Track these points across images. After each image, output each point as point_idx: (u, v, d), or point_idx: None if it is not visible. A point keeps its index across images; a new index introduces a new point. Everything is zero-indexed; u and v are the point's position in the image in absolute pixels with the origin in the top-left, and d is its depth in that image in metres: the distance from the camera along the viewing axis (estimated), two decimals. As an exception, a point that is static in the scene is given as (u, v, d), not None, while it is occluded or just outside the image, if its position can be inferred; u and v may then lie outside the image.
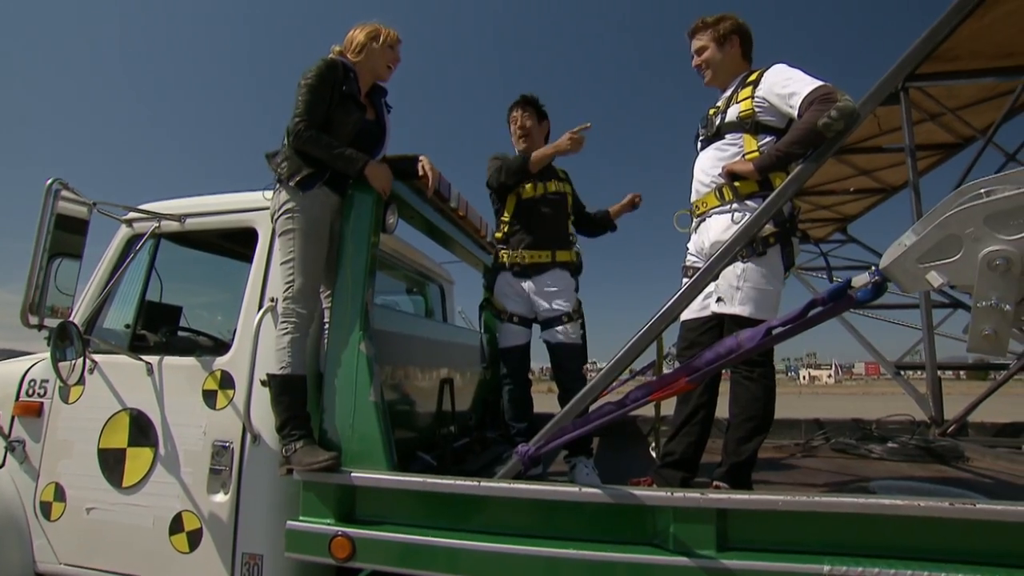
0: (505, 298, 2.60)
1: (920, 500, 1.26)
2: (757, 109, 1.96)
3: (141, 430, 1.96)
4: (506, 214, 2.63)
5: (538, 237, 2.55)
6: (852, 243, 7.03)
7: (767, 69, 2.00)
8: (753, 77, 2.02)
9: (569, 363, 2.48)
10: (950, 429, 3.48)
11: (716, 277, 1.82)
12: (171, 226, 2.18)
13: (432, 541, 1.52)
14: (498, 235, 2.68)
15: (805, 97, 1.78)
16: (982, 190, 0.98)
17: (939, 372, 3.89)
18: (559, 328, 2.48)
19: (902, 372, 4.59)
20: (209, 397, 1.92)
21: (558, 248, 2.56)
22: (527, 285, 2.54)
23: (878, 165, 5.41)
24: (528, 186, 2.60)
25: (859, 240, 6.97)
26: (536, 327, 2.61)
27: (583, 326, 2.61)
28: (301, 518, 1.67)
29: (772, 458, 3.00)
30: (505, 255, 2.60)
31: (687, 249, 2.20)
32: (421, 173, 2.12)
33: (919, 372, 4.56)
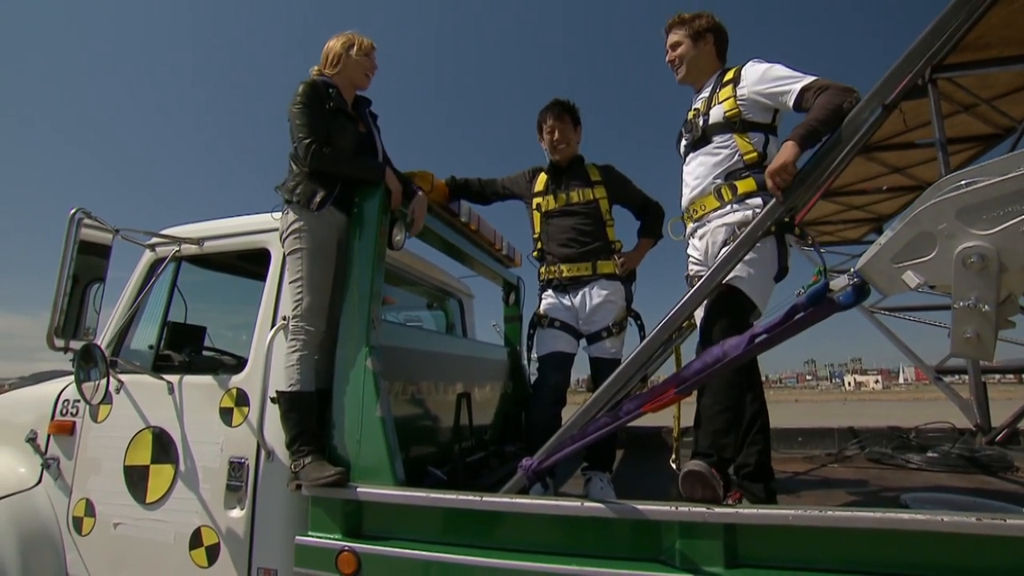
0: (550, 308, 2.51)
1: (943, 515, 1.18)
2: (741, 107, 1.93)
3: (163, 447, 2.03)
4: (536, 231, 2.59)
5: (572, 250, 2.47)
6: (889, 243, 6.77)
7: (743, 66, 1.98)
8: (730, 76, 1.99)
9: (605, 379, 2.37)
10: (998, 437, 3.27)
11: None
12: (191, 249, 2.27)
13: (437, 556, 1.51)
14: (535, 254, 2.63)
15: (801, 90, 1.76)
16: (962, 181, 0.91)
17: (985, 376, 3.67)
18: (600, 343, 2.42)
19: (943, 377, 4.35)
20: (226, 414, 1.97)
21: (598, 259, 2.46)
22: (571, 299, 2.48)
23: (911, 161, 5.19)
24: (549, 198, 2.54)
25: (896, 240, 6.71)
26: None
27: (644, 335, 2.51)
28: (310, 533, 1.69)
29: (801, 469, 2.87)
30: (543, 271, 2.56)
31: (688, 257, 2.12)
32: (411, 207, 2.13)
33: (964, 376, 4.32)
